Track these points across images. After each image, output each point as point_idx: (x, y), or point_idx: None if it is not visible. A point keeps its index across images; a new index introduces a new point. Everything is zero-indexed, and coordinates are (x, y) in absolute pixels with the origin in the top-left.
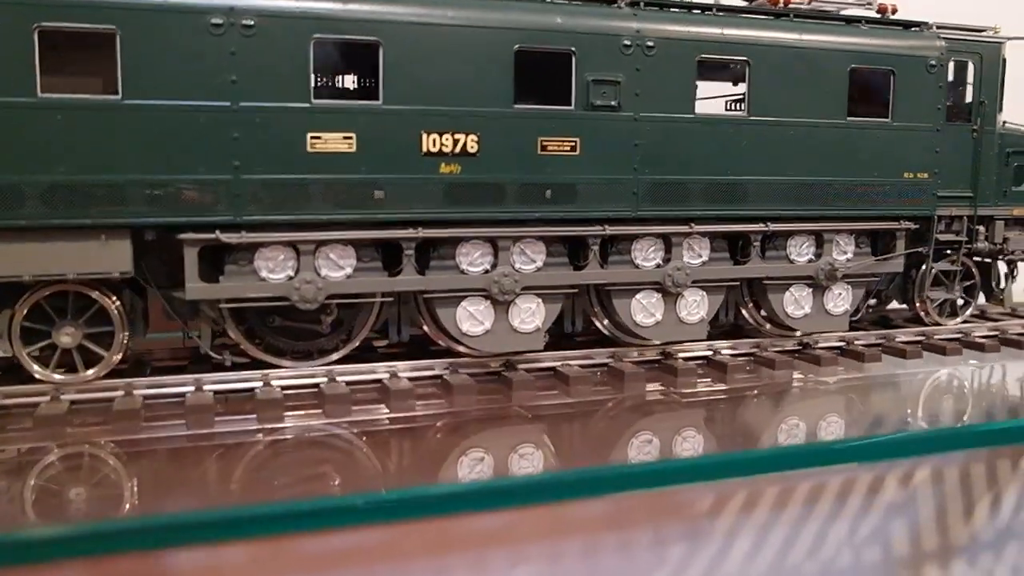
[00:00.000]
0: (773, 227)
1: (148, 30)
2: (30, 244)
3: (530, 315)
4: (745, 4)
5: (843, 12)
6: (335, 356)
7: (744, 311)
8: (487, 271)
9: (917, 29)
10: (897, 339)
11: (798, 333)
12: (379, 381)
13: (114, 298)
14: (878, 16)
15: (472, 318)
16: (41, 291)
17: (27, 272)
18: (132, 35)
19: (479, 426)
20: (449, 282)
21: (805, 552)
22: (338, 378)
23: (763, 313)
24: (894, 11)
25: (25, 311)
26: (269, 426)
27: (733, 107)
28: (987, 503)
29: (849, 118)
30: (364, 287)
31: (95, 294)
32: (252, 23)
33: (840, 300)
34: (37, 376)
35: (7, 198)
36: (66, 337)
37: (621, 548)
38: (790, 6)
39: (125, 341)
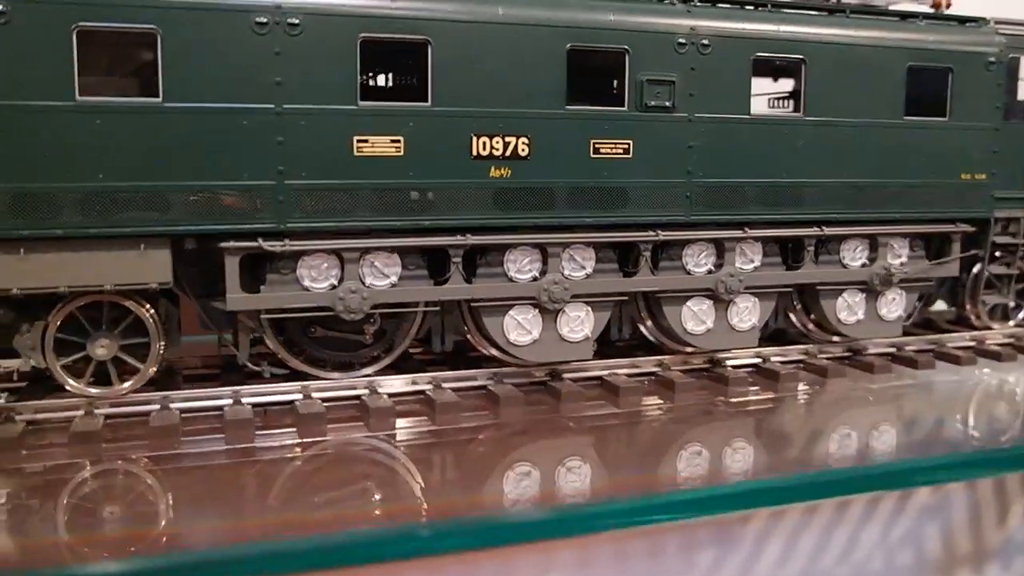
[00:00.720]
0: (828, 231)
1: (190, 30)
2: (66, 254)
3: (579, 323)
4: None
5: (896, 7)
6: (376, 367)
7: (793, 317)
8: (535, 278)
9: (974, 25)
10: (948, 344)
11: (849, 339)
12: (422, 392)
13: (149, 308)
14: (932, 11)
15: (520, 327)
16: (75, 302)
17: (63, 283)
18: (174, 35)
19: (526, 438)
20: (498, 290)
21: (837, 556)
22: (380, 390)
23: (812, 318)
24: (948, 6)
25: (59, 322)
26: (311, 440)
27: (777, 104)
28: (1022, 506)
29: (906, 117)
30: (411, 296)
31: (130, 304)
32: (298, 22)
33: (894, 305)
34: (70, 389)
35: (44, 206)
36: (101, 349)
37: (651, 553)
38: (843, 1)
39: (161, 352)
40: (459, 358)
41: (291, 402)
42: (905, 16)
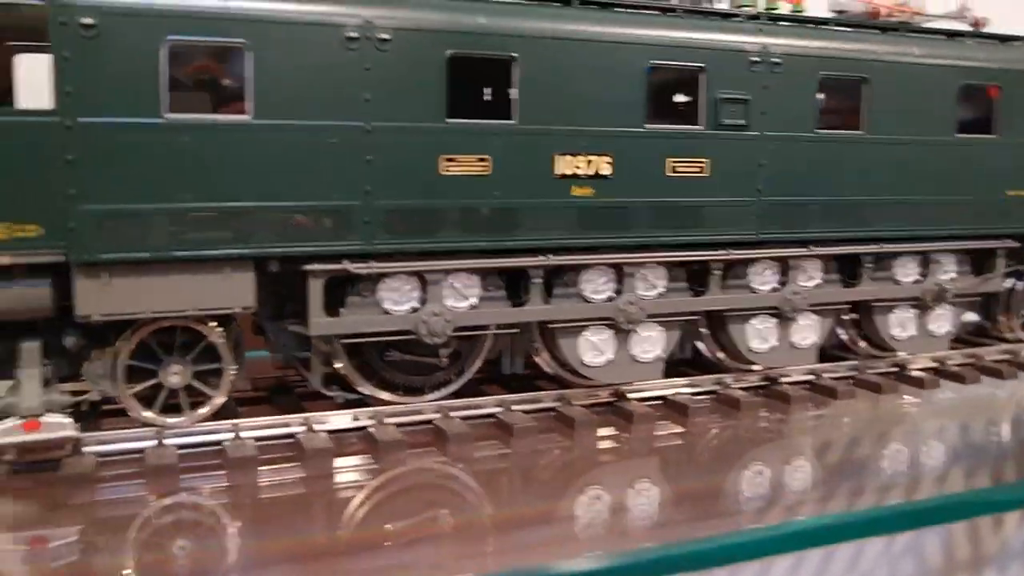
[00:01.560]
0: (886, 248)
1: (280, 45)
2: (150, 279)
3: (651, 344)
4: (832, 15)
5: (939, 26)
6: (447, 390)
7: (844, 333)
8: (610, 299)
9: (1020, 43)
10: (987, 358)
11: (899, 354)
12: (493, 416)
13: (221, 331)
14: (976, 30)
15: (594, 348)
16: (147, 327)
17: (146, 309)
18: (263, 50)
19: (599, 460)
20: (577, 311)
21: (843, 568)
22: (452, 414)
23: (862, 334)
24: (983, 24)
25: (131, 349)
26: (389, 468)
27: None
28: (1017, 512)
29: (957, 135)
30: (494, 319)
31: (204, 329)
32: (388, 37)
33: (942, 320)
34: (138, 419)
35: (131, 229)
36: (175, 376)
37: None
38: (894, 19)
39: (233, 378)
40: (512, 380)
41: (363, 428)
42: (953, 35)
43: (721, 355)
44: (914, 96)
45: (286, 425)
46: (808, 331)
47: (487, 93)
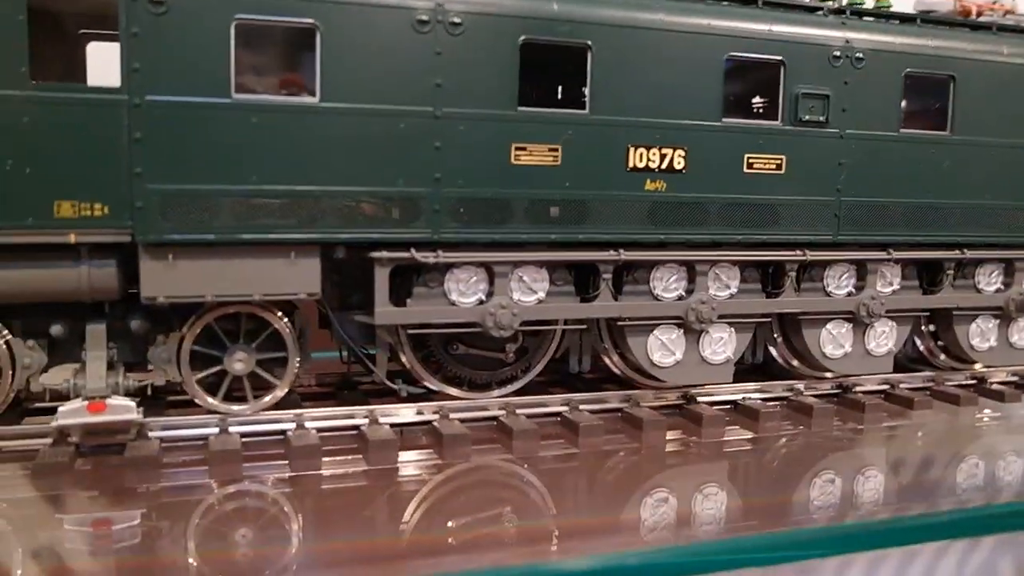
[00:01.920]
0: (969, 254)
1: (350, 26)
2: (215, 261)
3: (721, 345)
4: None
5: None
6: (514, 387)
7: (920, 343)
8: (681, 297)
9: None
10: None
11: (978, 366)
12: (557, 415)
13: (286, 320)
14: None
15: (664, 348)
16: (212, 312)
17: (211, 292)
18: (333, 31)
19: (666, 463)
20: (647, 309)
21: None
22: (518, 411)
23: (940, 345)
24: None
25: (196, 334)
26: (453, 463)
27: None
28: None
29: None
30: (561, 313)
31: (269, 316)
32: (460, 21)
33: None
34: (204, 405)
35: (196, 210)
36: (239, 364)
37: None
38: (984, 18)
39: (297, 368)
40: (578, 382)
41: (428, 423)
42: None
43: (794, 361)
44: (1003, 97)
45: (351, 417)
46: (884, 338)
47: (558, 82)
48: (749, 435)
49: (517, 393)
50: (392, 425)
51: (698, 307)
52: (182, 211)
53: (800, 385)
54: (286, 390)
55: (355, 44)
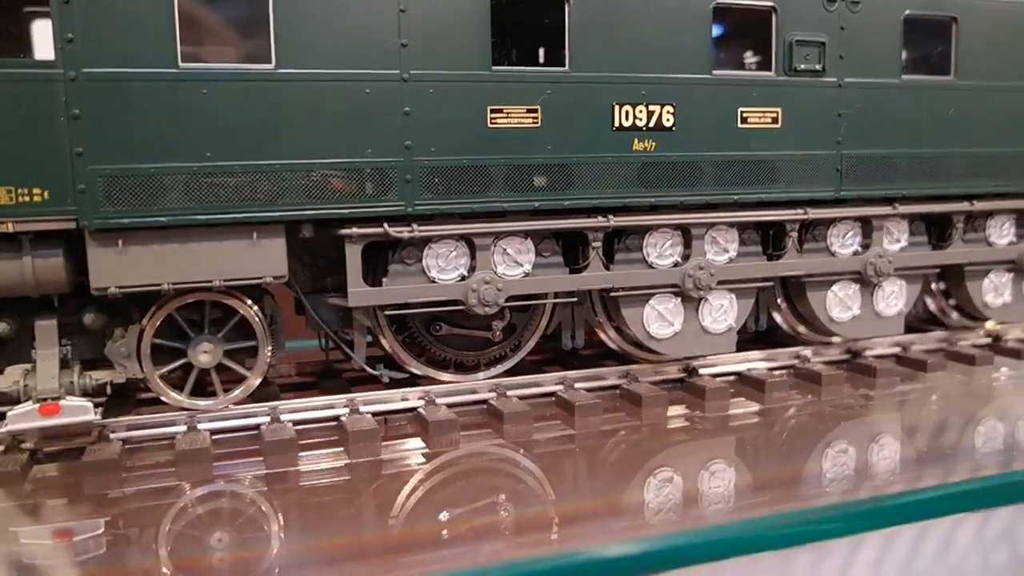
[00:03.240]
0: (979, 206)
1: None
2: (170, 246)
3: (722, 313)
4: None
5: None
6: (503, 367)
7: (932, 302)
8: (677, 264)
9: None
10: None
11: (989, 324)
12: (552, 395)
13: (254, 306)
14: None
15: (661, 318)
16: (173, 302)
17: (167, 280)
18: None
19: (669, 440)
20: (643, 278)
21: (933, 556)
22: (509, 393)
23: (952, 303)
24: None
25: (156, 326)
26: (442, 451)
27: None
28: None
29: None
30: (550, 286)
31: (235, 303)
32: None
33: None
34: (171, 402)
35: (144, 190)
36: (204, 355)
37: (743, 560)
38: None
39: (269, 357)
40: (575, 359)
41: (413, 409)
42: None
43: (800, 327)
44: (1009, 38)
45: (329, 407)
46: (894, 299)
47: (537, 38)
48: (756, 407)
49: (509, 373)
50: (375, 414)
51: (695, 273)
52: (130, 193)
53: (807, 352)
54: (258, 381)
55: (311, 5)
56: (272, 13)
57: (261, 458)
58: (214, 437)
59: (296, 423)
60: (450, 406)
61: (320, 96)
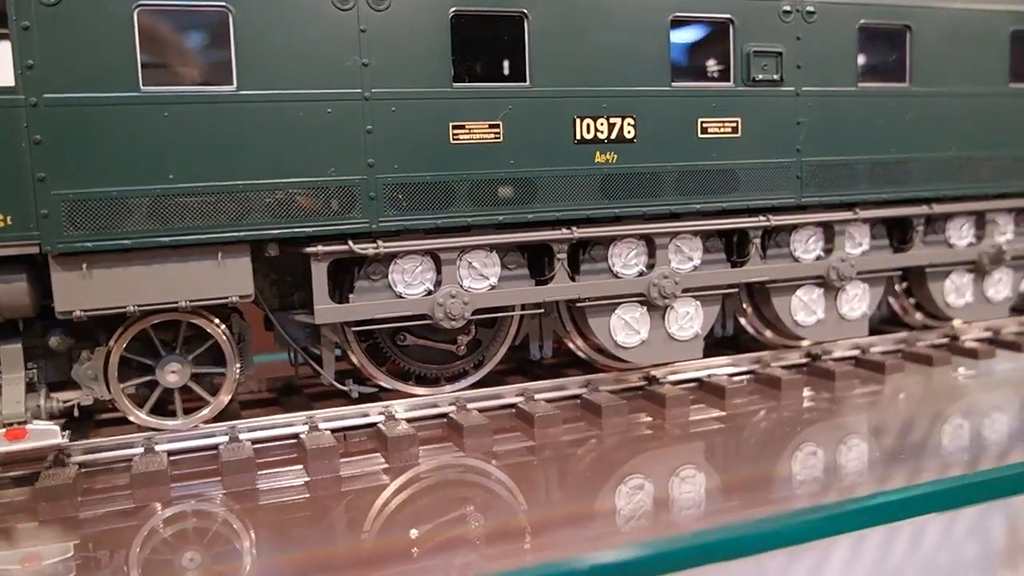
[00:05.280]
0: (938, 209)
1: (265, 7)
2: (134, 268)
3: (688, 320)
4: None
5: None
6: (471, 380)
7: (895, 303)
8: (642, 273)
9: None
10: None
11: (953, 324)
12: (513, 406)
13: (221, 324)
14: None
15: (628, 327)
16: (140, 323)
17: (132, 302)
18: (247, 14)
19: (633, 449)
20: (608, 288)
21: (903, 554)
22: (469, 406)
23: (913, 302)
24: None
25: (123, 347)
26: (402, 466)
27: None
28: None
29: (1011, 85)
30: (515, 299)
31: (203, 322)
32: None
33: (1000, 286)
34: (139, 423)
35: (108, 213)
36: (172, 375)
37: (717, 567)
38: None
39: (238, 376)
40: (542, 369)
41: (373, 425)
42: None
43: (766, 332)
44: (961, 45)
45: (288, 425)
46: (857, 301)
47: (497, 54)
48: (718, 413)
49: (477, 384)
50: (334, 431)
51: (660, 282)
52: (93, 216)
53: (768, 356)
54: (227, 399)
55: (272, 26)
56: (233, 35)
57: (220, 478)
58: (172, 458)
59: (255, 441)
60: (410, 420)
61: (282, 116)
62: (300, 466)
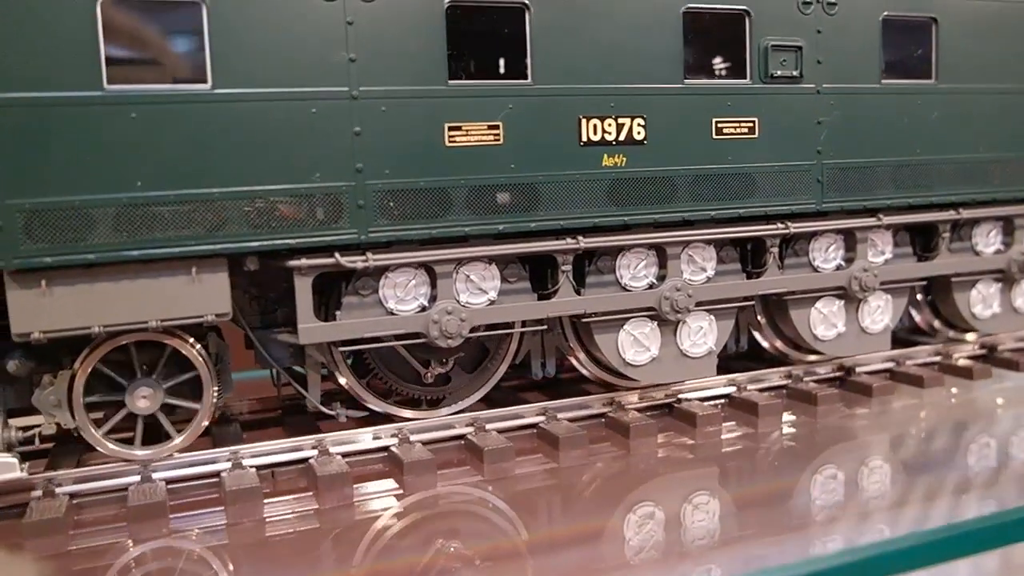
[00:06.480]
0: (966, 214)
1: None
2: (99, 285)
3: (701, 335)
4: None
5: None
6: (468, 401)
7: (918, 315)
8: (652, 285)
9: None
10: None
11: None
12: (534, 426)
13: (196, 344)
14: None
15: (637, 343)
16: (107, 344)
17: (97, 322)
18: (223, 4)
19: (658, 472)
20: (616, 302)
21: None
22: (488, 427)
23: (938, 314)
24: None
25: (89, 371)
26: (420, 493)
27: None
28: None
29: None
30: (516, 314)
31: (175, 342)
32: None
33: None
34: (107, 452)
35: (70, 224)
36: (143, 400)
37: None
38: None
39: (215, 398)
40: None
41: (386, 448)
42: None
43: (779, 344)
44: (990, 38)
45: (297, 449)
46: (880, 314)
47: (496, 49)
48: (747, 431)
49: (489, 405)
50: (345, 455)
51: (672, 295)
52: (52, 229)
53: (800, 371)
54: (204, 424)
55: (250, 19)
56: (207, 29)
57: (222, 508)
58: (170, 486)
59: (260, 468)
60: (426, 443)
61: (262, 117)
62: (310, 493)
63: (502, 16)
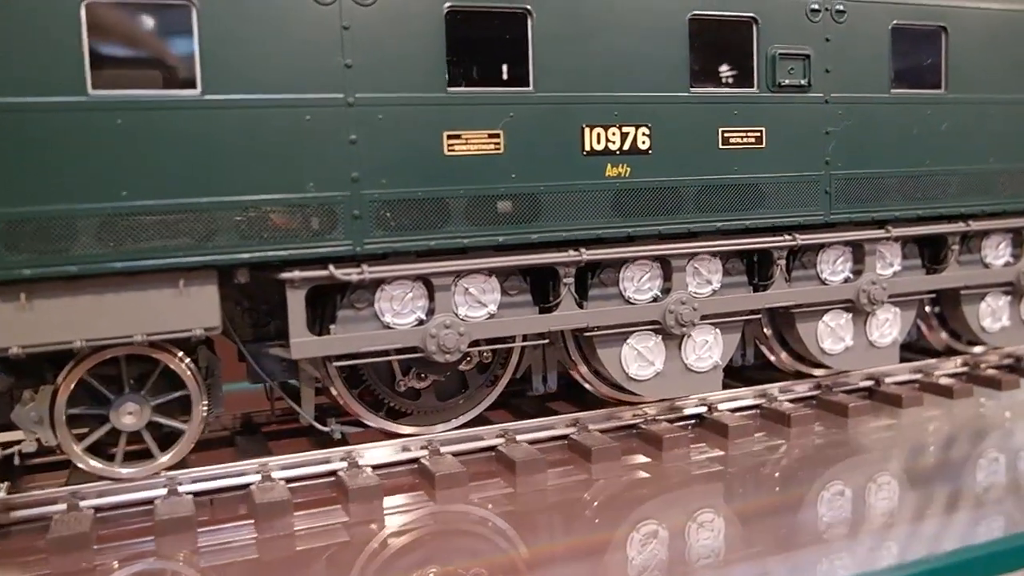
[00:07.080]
0: (975, 226)
1: (234, 1)
2: (83, 298)
3: (707, 350)
4: None
5: None
6: (470, 415)
7: (925, 328)
8: (657, 298)
9: None
10: None
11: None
12: (564, 437)
13: (185, 358)
14: None
15: (641, 358)
16: (91, 358)
17: (80, 336)
18: (214, 8)
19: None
20: (619, 315)
21: None
22: (519, 438)
23: (946, 327)
24: None
25: (72, 386)
26: (447, 505)
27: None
28: None
29: None
30: (516, 328)
31: (163, 356)
32: None
33: None
34: (89, 470)
35: (51, 235)
36: (129, 417)
37: None
38: None
39: (205, 413)
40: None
41: (415, 460)
42: None
43: (788, 360)
44: (1001, 48)
45: (326, 461)
46: (888, 327)
47: (497, 55)
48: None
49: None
50: (373, 467)
51: (677, 308)
52: (33, 239)
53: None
54: (193, 442)
55: (242, 23)
56: (197, 32)
57: (251, 521)
58: (197, 499)
59: (289, 480)
60: (456, 455)
61: (254, 124)
62: (339, 506)
63: (503, 21)
